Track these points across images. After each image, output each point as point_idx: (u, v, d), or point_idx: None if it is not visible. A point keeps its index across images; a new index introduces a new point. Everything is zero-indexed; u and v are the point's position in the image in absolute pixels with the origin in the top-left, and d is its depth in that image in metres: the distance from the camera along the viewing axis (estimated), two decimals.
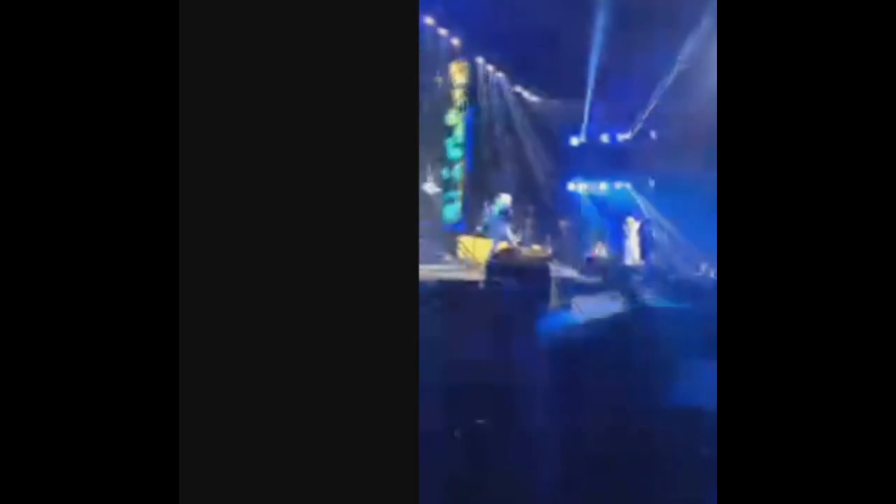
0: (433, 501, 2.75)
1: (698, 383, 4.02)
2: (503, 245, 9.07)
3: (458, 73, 12.53)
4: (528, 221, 11.25)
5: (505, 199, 10.32)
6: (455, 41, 12.15)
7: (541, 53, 11.40)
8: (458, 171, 12.79)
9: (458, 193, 12.83)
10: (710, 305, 5.20)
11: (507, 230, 9.94)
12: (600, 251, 11.65)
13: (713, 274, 9.25)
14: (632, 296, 6.02)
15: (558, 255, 10.44)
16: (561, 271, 8.07)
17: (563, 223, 13.04)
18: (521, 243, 9.94)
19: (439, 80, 11.71)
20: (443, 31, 11.28)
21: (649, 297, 6.31)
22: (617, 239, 12.50)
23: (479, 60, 13.22)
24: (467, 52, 12.58)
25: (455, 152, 12.86)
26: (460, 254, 10.02)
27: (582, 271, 8.98)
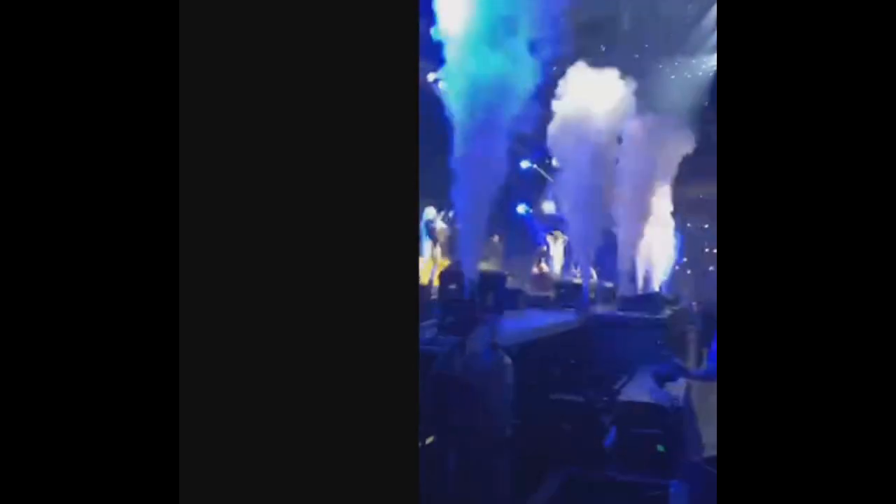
0: None
1: (651, 383, 4.08)
2: (442, 262, 9.04)
3: None
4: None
5: (429, 213, 10.16)
6: None
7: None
8: None
9: None
10: (656, 315, 5.35)
11: (428, 244, 9.79)
12: (543, 268, 11.89)
13: (655, 287, 9.53)
14: (582, 307, 6.13)
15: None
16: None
17: (496, 240, 13.15)
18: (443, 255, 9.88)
19: None
20: None
21: (599, 308, 6.44)
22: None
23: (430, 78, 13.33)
24: None
25: None
26: None
27: (531, 286, 9.11)
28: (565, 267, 11.78)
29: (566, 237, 12.03)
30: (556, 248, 12.33)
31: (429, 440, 2.84)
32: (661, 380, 3.96)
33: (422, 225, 10.14)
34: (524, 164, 15.26)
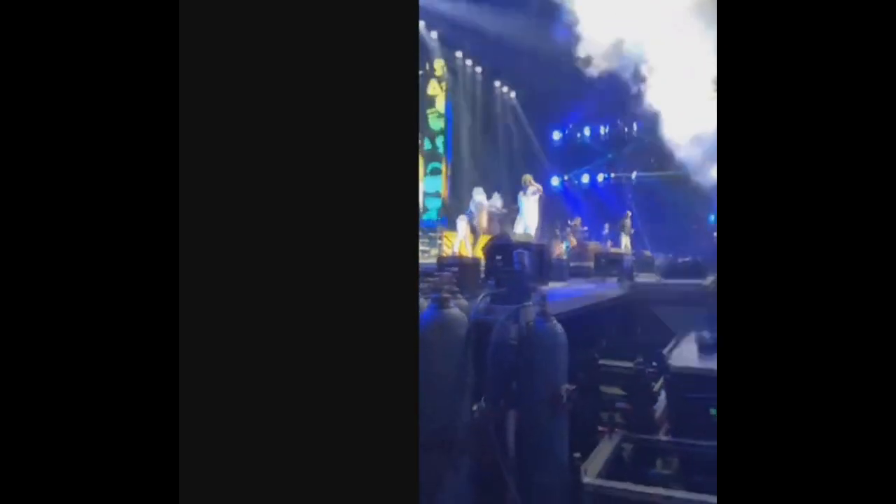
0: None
1: (697, 347, 4.11)
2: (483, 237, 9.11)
3: (438, 68, 12.63)
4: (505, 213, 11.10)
5: (476, 192, 10.27)
6: (433, 35, 12.20)
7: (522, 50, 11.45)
8: (440, 143, 12.74)
9: (441, 186, 12.90)
10: (699, 281, 5.34)
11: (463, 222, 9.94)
12: (574, 239, 11.78)
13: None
14: (625, 276, 6.16)
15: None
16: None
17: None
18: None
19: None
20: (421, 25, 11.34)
21: (639, 278, 6.46)
22: (595, 230, 12.62)
23: (458, 55, 13.27)
24: (448, 47, 12.65)
25: (436, 123, 12.82)
26: (444, 250, 9.98)
27: (570, 256, 9.14)
28: (542, 226, 11.02)
29: (539, 187, 10.70)
30: (529, 202, 10.47)
31: (485, 405, 2.92)
32: (707, 345, 3.99)
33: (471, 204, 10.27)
34: (556, 136, 15.16)
